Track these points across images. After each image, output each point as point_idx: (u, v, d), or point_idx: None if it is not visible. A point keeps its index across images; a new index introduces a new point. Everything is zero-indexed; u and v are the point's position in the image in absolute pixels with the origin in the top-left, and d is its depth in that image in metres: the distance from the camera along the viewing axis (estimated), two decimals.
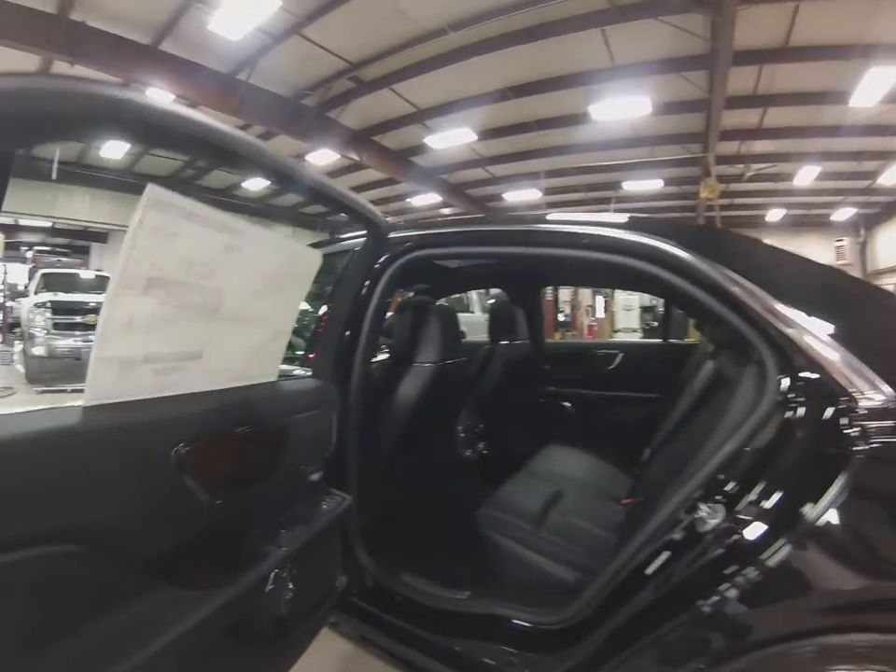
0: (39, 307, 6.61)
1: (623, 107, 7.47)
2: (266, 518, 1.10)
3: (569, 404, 2.94)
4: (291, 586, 1.07)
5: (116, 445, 0.76)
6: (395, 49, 6.62)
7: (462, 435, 2.46)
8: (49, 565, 0.66)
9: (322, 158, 9.39)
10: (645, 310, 11.68)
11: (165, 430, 0.83)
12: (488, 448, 2.62)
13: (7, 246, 11.07)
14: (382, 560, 1.50)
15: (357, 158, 9.42)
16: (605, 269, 1.42)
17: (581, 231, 1.30)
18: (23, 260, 10.81)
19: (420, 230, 1.64)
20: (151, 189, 0.73)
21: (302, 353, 1.95)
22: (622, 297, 11.75)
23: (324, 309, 1.76)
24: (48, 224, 10.86)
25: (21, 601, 0.64)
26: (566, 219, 1.38)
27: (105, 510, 0.73)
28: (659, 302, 10.76)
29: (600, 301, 12.70)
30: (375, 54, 6.77)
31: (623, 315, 11.61)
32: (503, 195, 12.34)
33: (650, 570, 1.01)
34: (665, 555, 1.01)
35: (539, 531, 1.57)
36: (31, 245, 11.11)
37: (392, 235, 1.51)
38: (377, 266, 1.51)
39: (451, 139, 8.90)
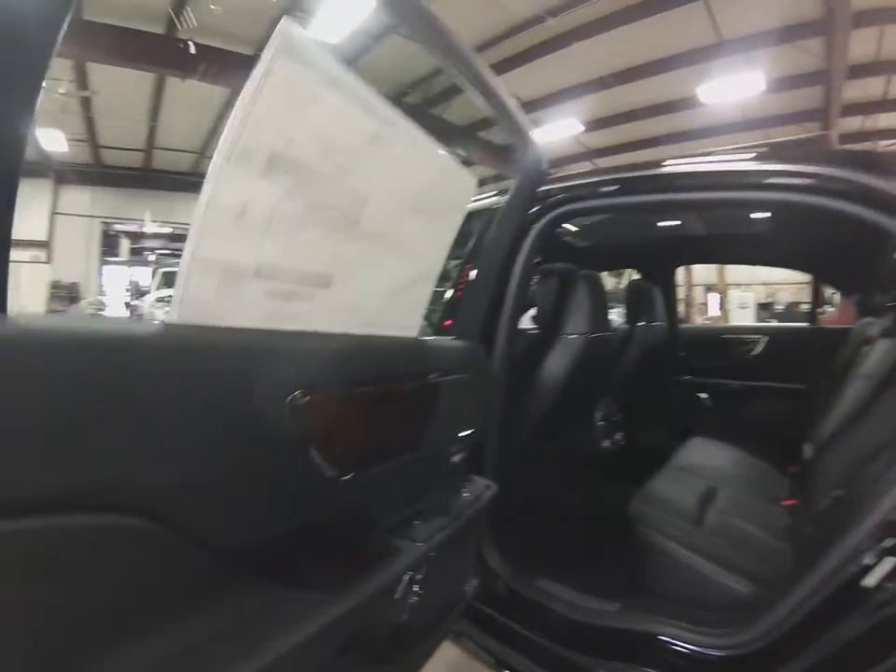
0: (160, 301, 7.24)
1: (733, 86, 6.74)
2: (399, 505, 0.91)
3: (706, 395, 2.65)
4: (419, 590, 0.86)
5: (206, 379, 0.55)
6: (492, 42, 6.47)
7: (601, 423, 2.18)
8: (111, 542, 0.48)
9: None
10: (762, 307, 10.88)
11: (280, 369, 0.62)
12: (625, 440, 2.34)
13: (132, 251, 12.42)
14: (514, 561, 1.29)
15: (463, 154, 9.36)
16: (776, 230, 1.29)
17: (788, 169, 1.06)
18: (146, 263, 12.00)
19: (571, 181, 1.42)
20: (286, 27, 0.53)
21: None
22: (735, 294, 11.17)
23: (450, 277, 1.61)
24: (168, 230, 11.96)
25: (65, 586, 0.45)
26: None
27: (185, 472, 0.53)
28: (778, 299, 10.37)
29: (714, 298, 11.90)
30: (472, 48, 6.63)
31: (738, 314, 10.80)
32: None
33: (869, 582, 0.81)
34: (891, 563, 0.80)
35: (699, 531, 1.32)
36: (153, 250, 12.30)
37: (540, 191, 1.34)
38: (526, 221, 1.34)
39: (555, 132, 8.49)
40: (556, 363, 1.56)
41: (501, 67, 6.96)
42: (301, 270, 0.67)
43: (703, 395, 2.68)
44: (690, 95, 7.17)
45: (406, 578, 0.80)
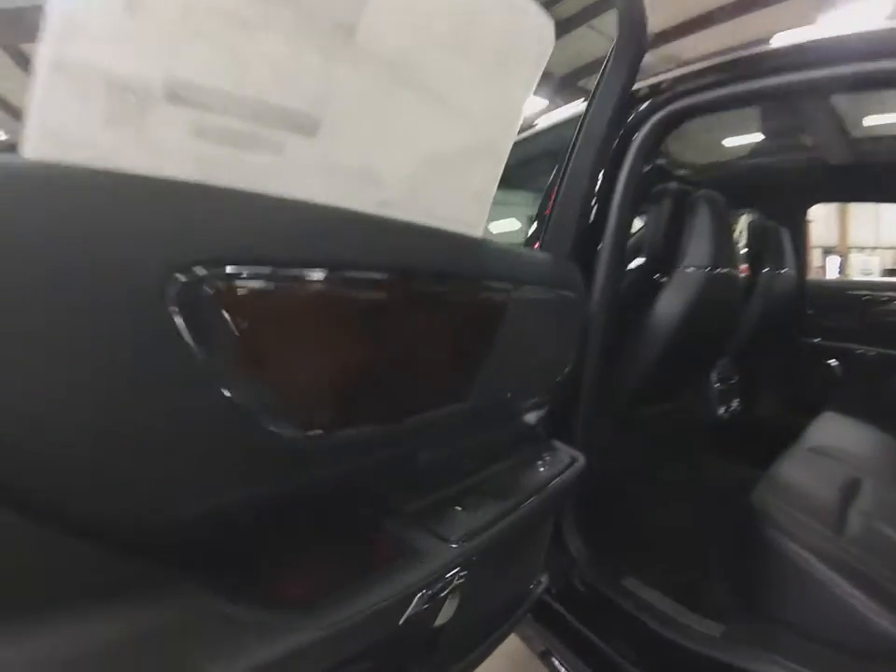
0: None
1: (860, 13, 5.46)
2: (428, 482, 0.67)
3: (837, 362, 2.20)
4: (452, 603, 0.62)
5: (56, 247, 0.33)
6: None
7: (717, 385, 1.81)
8: None
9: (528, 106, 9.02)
10: (890, 272, 9.42)
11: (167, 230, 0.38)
12: (742, 409, 1.97)
13: None
14: (598, 551, 1.05)
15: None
16: None
17: None
18: None
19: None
20: None
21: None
22: (858, 258, 9.88)
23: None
24: None
25: None
26: None
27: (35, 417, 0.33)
28: None
29: (833, 262, 10.63)
30: None
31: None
32: None
33: None
34: None
35: (840, 540, 0.97)
36: None
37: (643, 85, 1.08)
38: (629, 121, 1.07)
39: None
40: (669, 304, 1.21)
41: (598, 7, 6.15)
42: (260, 102, 0.44)
43: (833, 362, 2.22)
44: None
45: (423, 595, 0.55)
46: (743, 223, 2.72)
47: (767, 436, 1.50)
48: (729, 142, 2.06)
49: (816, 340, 2.29)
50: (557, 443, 0.87)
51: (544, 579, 0.92)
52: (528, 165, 1.31)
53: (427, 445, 0.65)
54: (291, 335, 0.45)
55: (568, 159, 1.03)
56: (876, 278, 7.71)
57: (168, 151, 0.39)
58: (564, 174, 1.02)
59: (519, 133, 0.70)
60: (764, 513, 1.03)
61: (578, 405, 1.00)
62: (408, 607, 0.53)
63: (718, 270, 1.23)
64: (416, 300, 0.57)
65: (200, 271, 0.38)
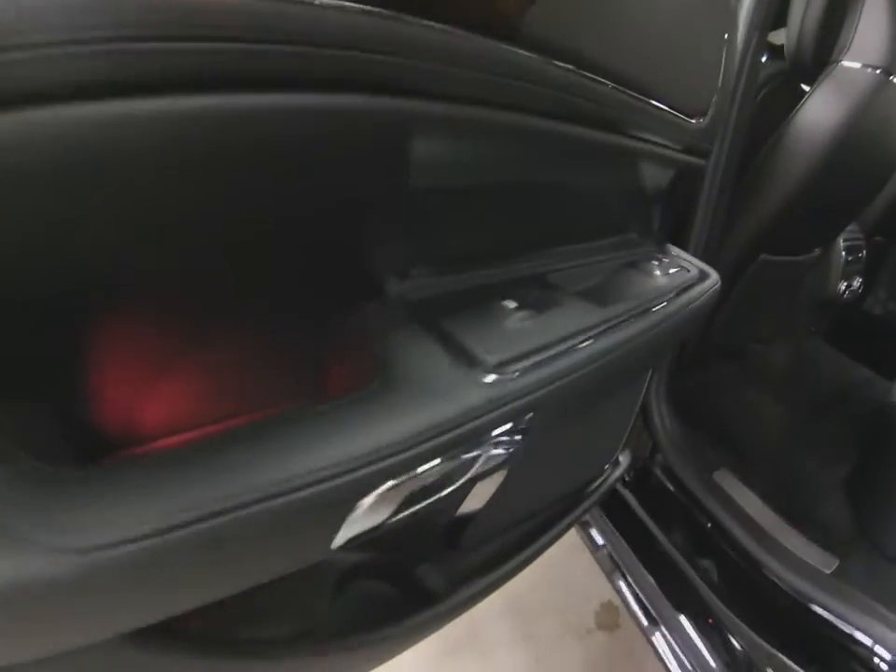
0: None
1: None
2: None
3: None
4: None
5: None
6: None
7: (843, 255, 1.43)
8: None
9: None
10: None
11: None
12: (863, 292, 1.58)
13: None
14: (690, 435, 0.82)
15: None
16: None
17: None
18: None
19: None
20: None
21: None
22: None
23: None
24: None
25: None
26: None
27: None
28: None
29: None
30: None
31: None
32: None
33: None
34: None
35: None
36: None
37: None
38: None
39: None
40: (821, 112, 0.80)
41: None
42: None
43: None
44: None
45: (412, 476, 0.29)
46: None
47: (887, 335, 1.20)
48: None
49: None
50: (677, 251, 0.60)
51: (624, 459, 0.69)
52: None
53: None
54: None
55: None
56: None
57: None
58: None
59: None
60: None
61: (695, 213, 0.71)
62: (369, 496, 0.27)
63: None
64: None
65: None
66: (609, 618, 1.22)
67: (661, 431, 0.79)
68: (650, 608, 0.75)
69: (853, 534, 0.75)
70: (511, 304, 0.36)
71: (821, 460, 0.94)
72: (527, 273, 0.41)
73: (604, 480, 0.67)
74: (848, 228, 1.39)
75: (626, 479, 0.82)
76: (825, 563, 0.68)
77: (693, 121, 0.51)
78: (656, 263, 0.52)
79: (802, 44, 0.84)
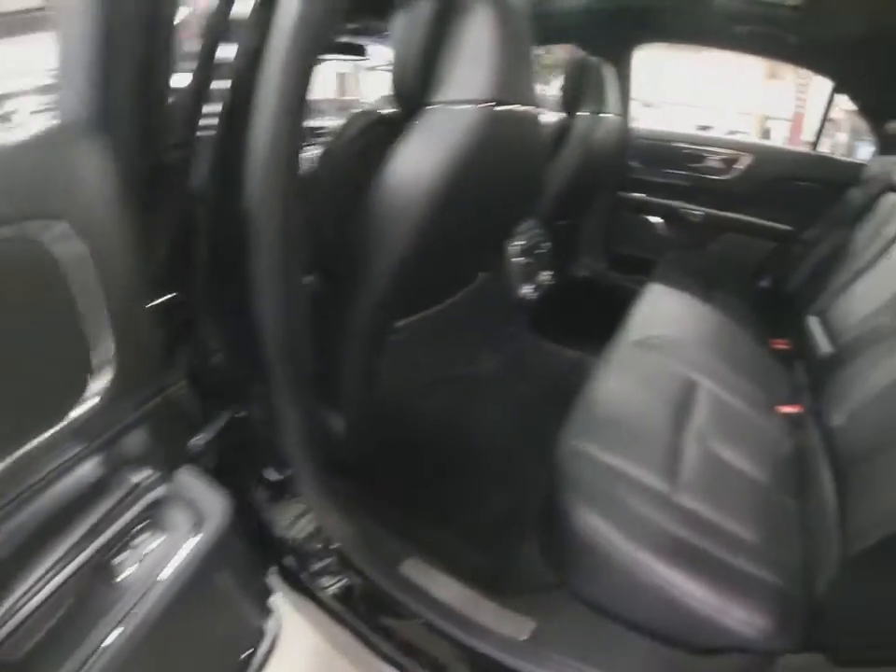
0: None
1: None
2: None
3: (662, 221, 2.12)
4: None
5: None
6: None
7: (520, 259, 1.49)
8: None
9: None
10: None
11: None
12: (555, 281, 1.73)
13: None
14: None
15: None
16: None
17: None
18: None
19: None
20: None
21: None
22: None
23: None
24: None
25: None
26: None
27: None
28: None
29: (649, 115, 11.22)
30: None
31: None
32: None
33: None
34: None
35: (681, 493, 0.76)
36: None
37: None
38: None
39: None
40: (419, 161, 0.72)
41: None
42: None
43: (656, 219, 2.13)
44: None
45: None
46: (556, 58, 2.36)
47: (588, 318, 1.34)
48: None
49: (639, 195, 2.17)
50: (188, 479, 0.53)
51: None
52: None
53: None
54: None
55: None
56: (716, 135, 7.64)
57: None
58: None
59: None
60: (567, 469, 0.77)
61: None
62: None
63: (504, 107, 0.75)
64: None
65: None
66: None
67: (343, 545, 0.76)
68: None
69: (554, 582, 0.74)
70: None
71: (515, 502, 0.98)
72: None
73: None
74: (524, 227, 1.52)
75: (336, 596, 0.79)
76: (519, 629, 0.67)
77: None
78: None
79: (404, 81, 0.75)
